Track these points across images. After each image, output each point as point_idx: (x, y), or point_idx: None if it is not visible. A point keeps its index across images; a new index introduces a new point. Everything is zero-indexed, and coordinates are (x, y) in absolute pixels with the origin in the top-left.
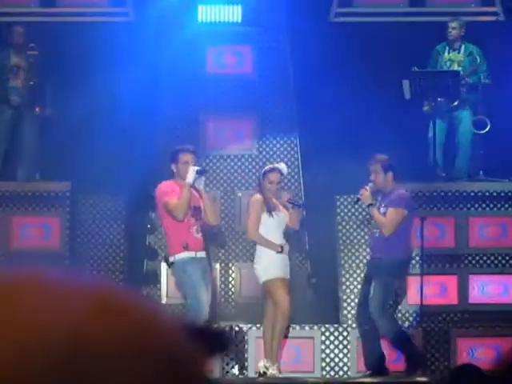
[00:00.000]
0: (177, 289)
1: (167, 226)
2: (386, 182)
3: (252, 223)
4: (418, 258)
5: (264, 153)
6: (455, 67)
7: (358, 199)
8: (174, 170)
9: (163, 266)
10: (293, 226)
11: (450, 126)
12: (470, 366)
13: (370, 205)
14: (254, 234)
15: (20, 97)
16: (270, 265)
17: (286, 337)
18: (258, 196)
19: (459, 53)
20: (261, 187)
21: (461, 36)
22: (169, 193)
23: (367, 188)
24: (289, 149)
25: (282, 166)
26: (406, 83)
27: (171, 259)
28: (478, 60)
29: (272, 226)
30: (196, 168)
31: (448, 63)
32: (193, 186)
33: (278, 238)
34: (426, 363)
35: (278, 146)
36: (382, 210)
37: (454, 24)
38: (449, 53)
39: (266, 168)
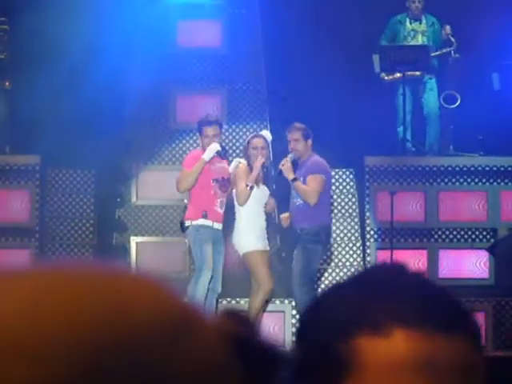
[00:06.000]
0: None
1: (192, 192)
2: (306, 150)
3: (244, 190)
4: (387, 233)
5: (234, 126)
6: (419, 37)
7: (281, 171)
8: (200, 142)
9: (132, 239)
10: (269, 210)
11: (416, 95)
12: None
13: (294, 179)
14: (245, 200)
15: None
16: (248, 236)
17: (263, 311)
18: (242, 165)
19: (421, 23)
20: (246, 156)
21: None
22: (189, 163)
23: (288, 159)
24: (258, 122)
25: (266, 133)
26: (376, 57)
27: (187, 223)
28: (444, 37)
29: (256, 197)
30: (217, 149)
31: (412, 33)
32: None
33: (260, 210)
34: None
35: (248, 119)
36: (301, 179)
37: None
38: (411, 23)
39: (250, 136)
